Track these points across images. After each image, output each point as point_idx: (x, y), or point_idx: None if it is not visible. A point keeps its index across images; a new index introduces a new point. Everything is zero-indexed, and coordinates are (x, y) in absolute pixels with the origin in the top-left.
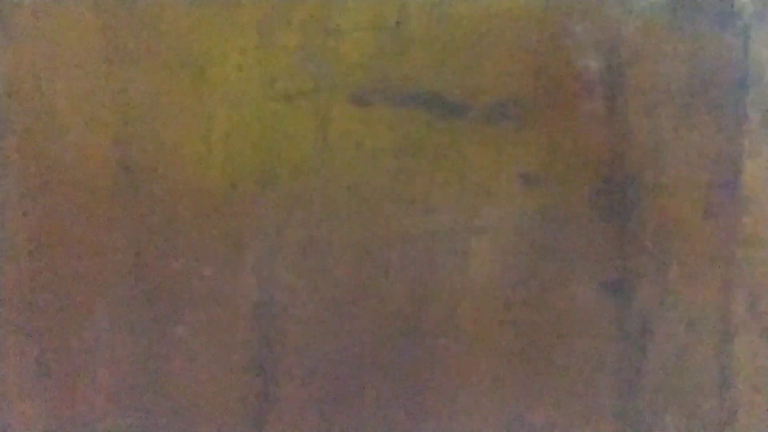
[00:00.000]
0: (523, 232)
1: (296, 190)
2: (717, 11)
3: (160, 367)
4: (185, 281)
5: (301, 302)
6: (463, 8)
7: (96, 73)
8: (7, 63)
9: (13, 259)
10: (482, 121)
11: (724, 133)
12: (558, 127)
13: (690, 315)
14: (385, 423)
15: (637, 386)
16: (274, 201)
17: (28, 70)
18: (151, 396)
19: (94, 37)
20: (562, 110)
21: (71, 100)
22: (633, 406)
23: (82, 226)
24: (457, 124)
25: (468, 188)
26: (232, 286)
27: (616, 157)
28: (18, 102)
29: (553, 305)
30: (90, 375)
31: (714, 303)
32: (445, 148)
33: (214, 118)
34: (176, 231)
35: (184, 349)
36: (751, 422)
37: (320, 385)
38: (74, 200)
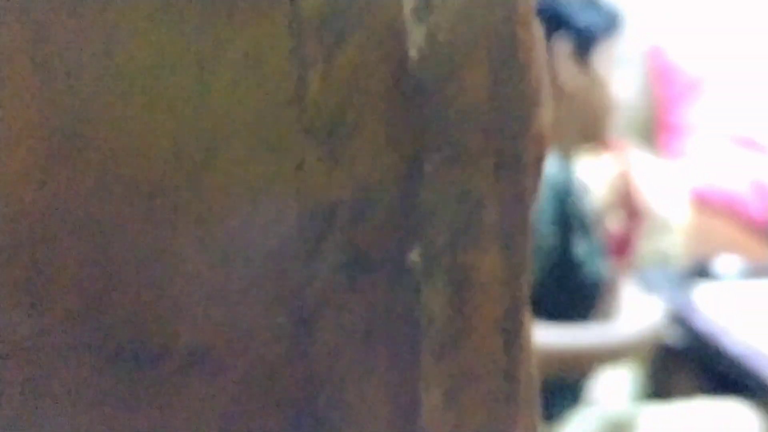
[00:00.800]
0: None
1: None
2: (390, 269)
3: None
4: None
5: None
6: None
7: None
8: None
9: None
10: (181, 369)
11: (402, 373)
12: (251, 373)
13: None
14: None
15: None
16: None
17: None
18: None
19: None
20: (255, 357)
21: None
22: None
23: None
24: (157, 372)
25: (169, 430)
26: None
27: (307, 394)
28: None
29: None
30: None
31: None
32: (146, 394)
33: None
34: None
35: None
36: None
37: None
38: None
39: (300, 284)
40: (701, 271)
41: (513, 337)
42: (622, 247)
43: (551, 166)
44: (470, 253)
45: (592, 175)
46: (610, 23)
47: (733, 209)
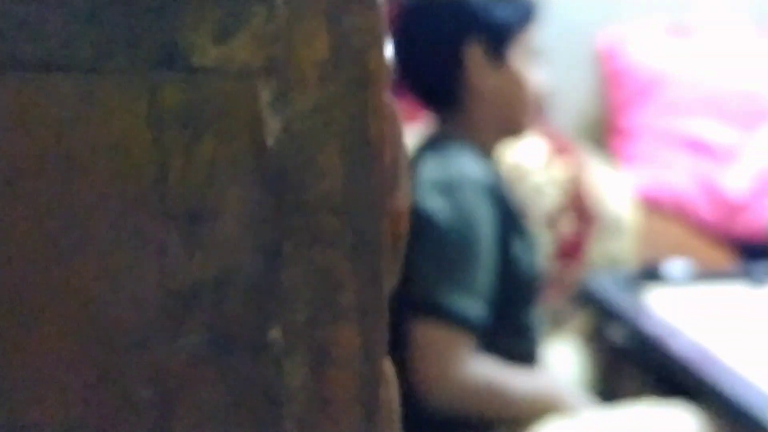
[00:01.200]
0: None
1: None
2: (252, 346)
3: None
4: None
5: None
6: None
7: None
8: None
9: None
10: None
11: None
12: None
13: None
14: None
15: None
16: None
17: None
18: None
19: None
20: None
21: None
22: None
23: None
24: None
25: None
26: None
27: None
28: None
29: None
30: None
31: None
32: None
33: None
34: None
35: None
36: None
37: None
38: None
39: (164, 361)
40: (651, 274)
41: (373, 408)
42: (573, 250)
43: (478, 167)
44: (329, 330)
45: (544, 179)
46: (525, 15)
47: (684, 212)
